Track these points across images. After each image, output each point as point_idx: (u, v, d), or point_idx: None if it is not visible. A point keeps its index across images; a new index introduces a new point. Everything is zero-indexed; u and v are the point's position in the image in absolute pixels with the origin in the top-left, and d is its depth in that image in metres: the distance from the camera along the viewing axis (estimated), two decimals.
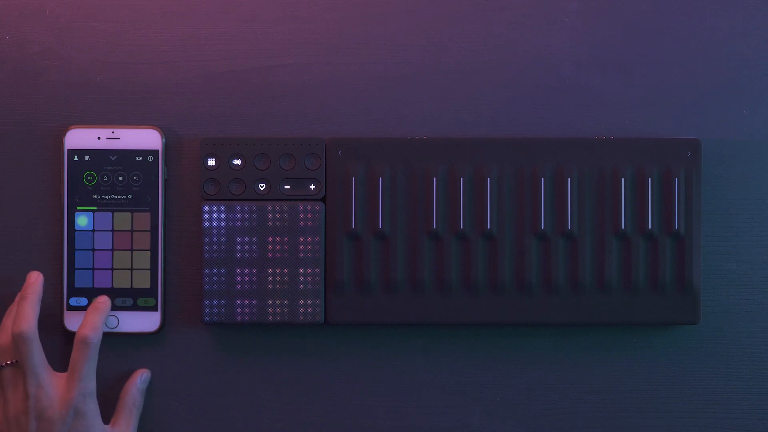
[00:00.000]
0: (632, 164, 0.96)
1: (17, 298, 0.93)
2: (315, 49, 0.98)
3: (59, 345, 0.97)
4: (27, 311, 0.92)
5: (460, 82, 0.98)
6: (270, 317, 0.96)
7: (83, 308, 0.96)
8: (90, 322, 0.92)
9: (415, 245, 0.96)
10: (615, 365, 0.98)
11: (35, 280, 0.94)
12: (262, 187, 0.96)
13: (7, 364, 0.92)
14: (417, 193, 0.96)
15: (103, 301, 0.95)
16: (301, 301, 0.96)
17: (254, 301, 0.96)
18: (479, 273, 0.96)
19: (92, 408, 0.91)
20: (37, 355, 0.91)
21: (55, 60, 0.97)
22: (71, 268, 0.96)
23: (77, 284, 0.96)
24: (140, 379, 0.96)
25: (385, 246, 0.96)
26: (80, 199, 0.96)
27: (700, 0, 0.98)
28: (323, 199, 0.97)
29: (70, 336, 0.96)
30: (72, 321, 0.96)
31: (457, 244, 0.96)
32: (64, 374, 0.92)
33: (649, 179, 0.96)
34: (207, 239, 0.96)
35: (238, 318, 0.96)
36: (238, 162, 0.96)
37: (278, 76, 0.98)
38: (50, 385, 0.91)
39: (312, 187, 0.96)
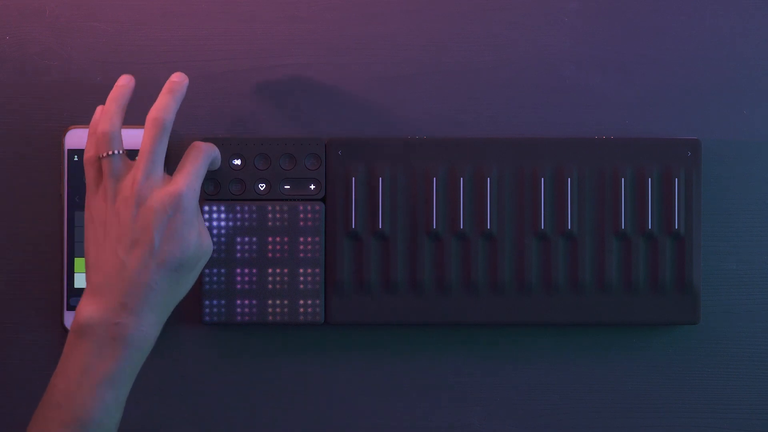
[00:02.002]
0: (632, 164, 0.96)
1: (123, 82, 0.91)
2: (315, 49, 0.98)
3: (59, 345, 0.97)
4: (170, 102, 0.89)
5: (460, 82, 0.98)
6: (270, 317, 0.96)
7: None
8: (162, 103, 0.89)
9: (415, 245, 0.96)
10: (615, 365, 0.98)
11: (181, 80, 0.90)
12: (262, 187, 0.96)
13: (116, 153, 0.88)
14: (417, 193, 0.96)
15: (179, 80, 0.91)
16: (301, 301, 0.96)
17: (254, 301, 0.96)
18: (479, 273, 0.96)
19: (194, 206, 0.88)
20: (162, 147, 0.88)
21: (55, 60, 0.97)
22: (71, 269, 0.96)
23: (77, 284, 0.96)
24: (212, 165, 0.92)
25: (385, 246, 0.96)
26: (80, 199, 0.96)
27: (700, 0, 0.98)
28: (323, 199, 0.97)
29: None
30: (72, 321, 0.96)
31: (457, 244, 0.96)
32: (174, 173, 0.89)
33: (649, 179, 0.96)
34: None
35: (238, 318, 0.96)
36: (238, 162, 0.96)
37: (278, 76, 0.98)
38: (160, 178, 0.88)
39: (312, 187, 0.96)
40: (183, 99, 0.91)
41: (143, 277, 0.87)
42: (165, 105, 0.89)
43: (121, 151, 0.89)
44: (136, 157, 0.89)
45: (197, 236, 0.89)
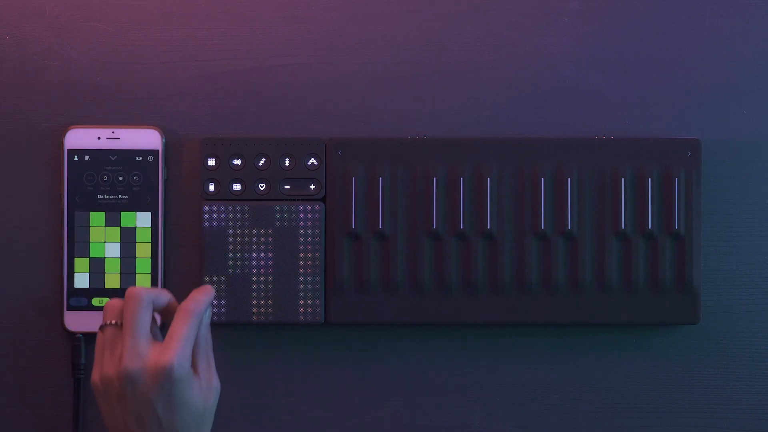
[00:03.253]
0: (632, 164, 0.96)
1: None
2: (315, 49, 0.98)
3: (59, 345, 0.97)
4: (201, 299, 0.89)
5: (460, 82, 0.98)
6: (270, 317, 0.96)
7: (83, 308, 0.96)
8: (194, 298, 0.89)
9: (415, 245, 0.96)
10: (615, 365, 0.98)
11: (206, 296, 0.90)
12: (262, 187, 0.96)
13: (110, 323, 0.88)
14: (417, 193, 0.96)
15: (208, 288, 0.91)
16: (301, 301, 0.96)
17: (254, 301, 0.96)
18: (479, 273, 0.96)
19: (188, 374, 0.87)
20: (142, 318, 0.87)
21: (55, 60, 0.97)
22: (71, 269, 0.96)
23: (77, 284, 0.96)
24: (204, 316, 0.91)
25: (385, 246, 0.96)
26: (80, 199, 0.96)
27: (700, 0, 0.98)
28: (323, 199, 0.97)
29: (70, 336, 0.96)
30: (72, 321, 0.96)
31: (457, 244, 0.96)
32: (161, 343, 0.88)
33: (649, 179, 0.96)
34: (207, 239, 0.96)
35: (239, 318, 0.96)
36: (238, 162, 0.96)
37: (278, 76, 0.98)
38: (145, 349, 0.87)
39: (312, 187, 0.96)
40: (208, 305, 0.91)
41: None
42: (197, 299, 0.89)
43: (117, 322, 0.88)
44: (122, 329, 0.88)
45: (200, 393, 0.88)
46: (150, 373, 0.86)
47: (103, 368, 0.88)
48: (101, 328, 0.88)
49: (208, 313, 0.91)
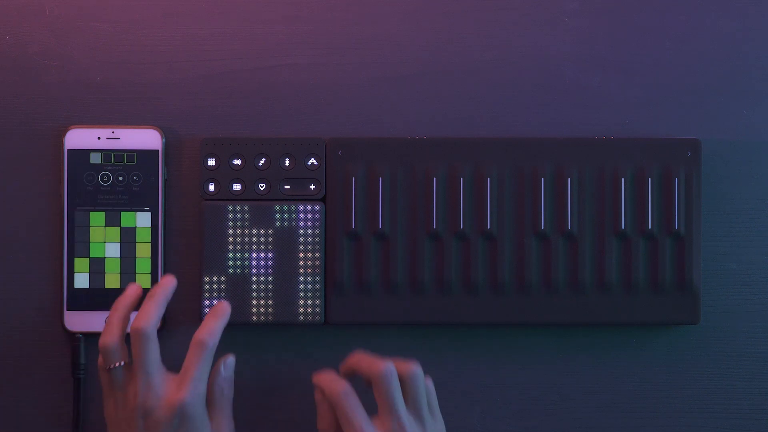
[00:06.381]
0: (632, 164, 0.96)
1: (128, 291, 0.92)
2: (315, 49, 0.98)
3: (59, 345, 0.97)
4: (151, 309, 0.90)
5: (460, 82, 0.98)
6: (270, 317, 0.96)
7: (83, 308, 0.96)
8: (208, 326, 0.90)
9: (415, 245, 0.96)
10: (615, 365, 0.98)
11: (168, 283, 0.92)
12: (262, 187, 0.96)
13: (117, 365, 0.89)
14: (417, 193, 0.96)
15: (224, 307, 0.93)
16: (301, 301, 0.96)
17: (254, 302, 0.96)
18: (479, 273, 0.96)
19: (201, 412, 0.89)
20: (152, 354, 0.89)
21: (55, 60, 0.97)
22: (71, 269, 0.96)
23: (77, 284, 0.96)
24: (223, 367, 0.92)
25: (385, 246, 0.96)
26: (80, 199, 0.96)
27: (700, 0, 0.98)
28: (323, 199, 0.97)
29: (70, 336, 0.96)
30: (72, 321, 0.96)
31: (457, 244, 0.96)
32: (176, 376, 0.90)
33: (649, 179, 0.96)
34: (207, 239, 0.96)
35: (239, 318, 0.96)
36: (238, 162, 0.96)
37: (278, 76, 0.98)
38: (160, 385, 0.88)
39: (312, 187, 0.96)
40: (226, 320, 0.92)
41: None
42: (211, 328, 0.90)
43: (122, 363, 0.89)
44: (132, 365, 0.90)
45: None
46: (162, 409, 0.88)
47: (118, 407, 0.90)
48: (107, 370, 0.90)
49: (229, 363, 0.92)
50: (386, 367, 0.89)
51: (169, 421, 0.88)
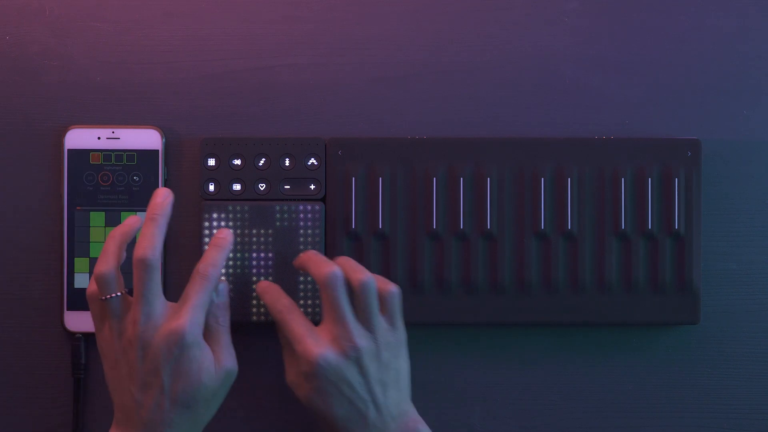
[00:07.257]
0: (632, 164, 0.96)
1: (127, 221, 0.89)
2: (315, 49, 0.98)
3: (59, 345, 0.97)
4: (154, 234, 0.87)
5: (460, 82, 0.98)
6: (270, 317, 0.96)
7: (83, 308, 0.96)
8: (209, 256, 0.89)
9: (415, 245, 0.96)
10: (615, 365, 0.98)
11: (165, 200, 0.89)
12: (262, 187, 0.96)
13: (114, 296, 0.87)
14: (417, 193, 0.96)
15: (225, 235, 0.90)
16: (301, 301, 0.96)
17: (254, 302, 0.96)
18: (479, 273, 0.96)
19: (199, 341, 0.86)
20: (155, 284, 0.86)
21: (55, 60, 0.97)
22: (71, 268, 0.96)
23: (77, 284, 0.96)
24: (215, 293, 0.90)
25: (385, 246, 0.96)
26: (80, 199, 0.96)
27: (700, 0, 0.98)
28: (323, 199, 0.97)
29: (70, 336, 0.96)
30: (72, 321, 0.96)
31: (457, 244, 0.96)
32: (175, 305, 0.87)
33: (649, 179, 0.96)
34: (207, 239, 0.96)
35: (239, 318, 0.96)
36: (238, 162, 0.96)
37: (278, 76, 0.98)
38: (161, 315, 0.86)
39: (312, 187, 0.96)
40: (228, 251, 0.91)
41: (158, 415, 0.86)
42: (212, 259, 0.89)
43: (119, 293, 0.87)
44: (133, 296, 0.87)
45: (210, 367, 0.87)
46: (161, 337, 0.86)
47: (112, 332, 0.87)
48: (102, 299, 0.87)
49: (223, 291, 0.90)
50: (331, 272, 0.88)
51: (170, 350, 0.85)
